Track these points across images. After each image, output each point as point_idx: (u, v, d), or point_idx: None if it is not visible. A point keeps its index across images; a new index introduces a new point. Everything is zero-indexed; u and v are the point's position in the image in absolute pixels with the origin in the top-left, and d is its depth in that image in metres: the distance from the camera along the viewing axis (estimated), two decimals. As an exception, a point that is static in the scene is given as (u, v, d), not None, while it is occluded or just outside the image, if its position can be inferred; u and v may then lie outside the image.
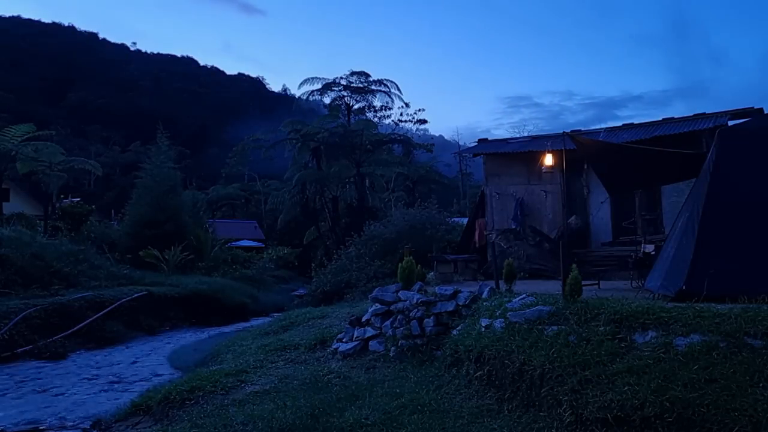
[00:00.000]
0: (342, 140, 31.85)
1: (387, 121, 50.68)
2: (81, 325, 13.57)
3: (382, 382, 7.08)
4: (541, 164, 13.59)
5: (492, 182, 16.99)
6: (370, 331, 9.09)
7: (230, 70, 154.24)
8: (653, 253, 10.17)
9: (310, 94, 36.69)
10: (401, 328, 8.59)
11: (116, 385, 9.61)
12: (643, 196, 14.69)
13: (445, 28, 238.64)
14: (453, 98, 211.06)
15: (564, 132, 11.15)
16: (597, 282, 10.14)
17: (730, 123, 12.35)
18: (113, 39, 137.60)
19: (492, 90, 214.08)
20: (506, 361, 5.95)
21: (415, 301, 8.69)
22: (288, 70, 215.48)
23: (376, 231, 18.37)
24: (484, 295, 8.45)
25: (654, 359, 4.90)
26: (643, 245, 11.68)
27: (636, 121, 15.86)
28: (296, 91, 51.47)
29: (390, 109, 45.92)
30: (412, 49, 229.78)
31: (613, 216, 15.16)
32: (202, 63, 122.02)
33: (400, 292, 9.23)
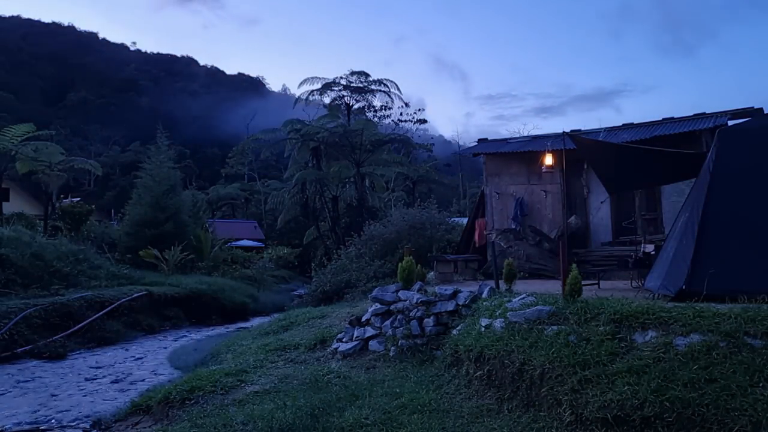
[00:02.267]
0: (342, 140, 31.83)
1: (387, 121, 50.78)
2: (81, 324, 13.56)
3: (382, 381, 7.08)
4: (541, 164, 13.60)
5: (492, 182, 17.00)
6: (370, 331, 9.10)
7: (230, 70, 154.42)
8: (653, 253, 10.18)
9: (310, 94, 36.71)
10: (401, 328, 8.59)
11: (116, 385, 9.60)
12: (643, 196, 14.70)
13: (442, 26, 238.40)
14: (453, 98, 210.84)
15: (564, 132, 11.17)
16: (597, 282, 10.15)
17: (730, 123, 12.37)
18: (113, 39, 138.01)
19: (482, 87, 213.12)
20: (506, 361, 5.95)
21: (415, 300, 8.69)
22: (288, 70, 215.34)
23: (376, 231, 18.36)
24: (484, 295, 8.46)
25: (654, 359, 4.90)
26: (643, 245, 11.70)
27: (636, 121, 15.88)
28: (296, 91, 51.64)
29: (390, 108, 46.08)
30: (410, 47, 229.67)
31: (613, 216, 15.16)
32: (202, 63, 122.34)
33: (400, 291, 9.24)
